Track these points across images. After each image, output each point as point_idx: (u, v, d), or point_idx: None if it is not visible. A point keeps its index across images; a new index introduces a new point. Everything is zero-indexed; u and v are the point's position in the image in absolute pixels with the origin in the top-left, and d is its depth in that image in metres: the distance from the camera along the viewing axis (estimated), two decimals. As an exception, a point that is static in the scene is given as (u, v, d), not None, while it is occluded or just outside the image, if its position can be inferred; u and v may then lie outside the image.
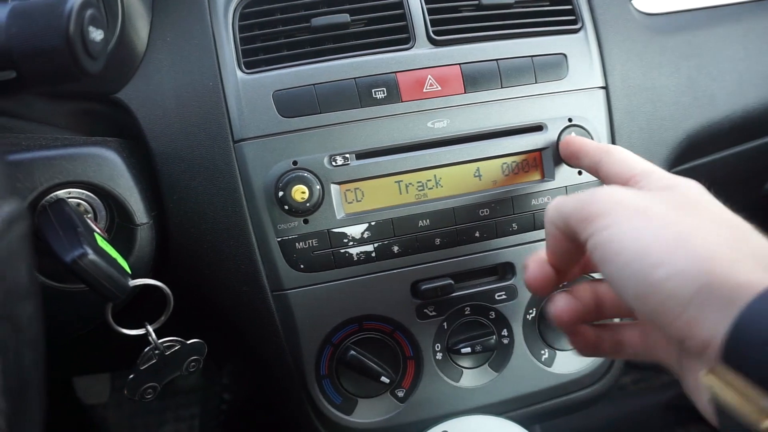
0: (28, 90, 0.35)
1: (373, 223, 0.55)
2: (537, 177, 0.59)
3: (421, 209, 0.56)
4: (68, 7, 0.31)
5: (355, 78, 0.55)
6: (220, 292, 0.57)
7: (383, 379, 0.57)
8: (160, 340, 0.50)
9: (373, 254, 0.56)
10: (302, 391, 0.58)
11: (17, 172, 0.42)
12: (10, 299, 0.21)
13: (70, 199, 0.46)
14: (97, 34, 0.34)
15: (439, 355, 0.59)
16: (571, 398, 0.64)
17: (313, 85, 0.55)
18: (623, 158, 0.46)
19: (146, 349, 0.50)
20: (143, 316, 0.54)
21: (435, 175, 0.57)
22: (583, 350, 0.44)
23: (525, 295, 0.60)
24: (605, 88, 0.61)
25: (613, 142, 0.62)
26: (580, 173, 0.59)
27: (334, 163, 0.54)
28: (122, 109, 0.56)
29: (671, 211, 0.36)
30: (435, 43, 0.57)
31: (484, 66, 0.58)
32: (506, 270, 0.60)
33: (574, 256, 0.43)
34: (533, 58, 0.59)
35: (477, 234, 0.57)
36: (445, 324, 0.59)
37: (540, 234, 0.59)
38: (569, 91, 0.60)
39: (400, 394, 0.59)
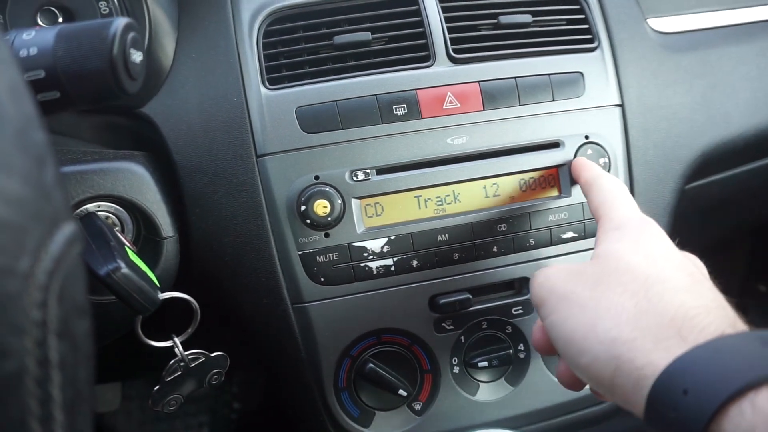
0: (70, 110, 0.36)
1: (392, 238, 0.56)
2: (554, 193, 0.60)
3: (440, 224, 0.57)
4: (112, 31, 0.32)
5: (376, 95, 0.56)
6: (241, 304, 0.58)
7: (401, 392, 0.58)
8: (186, 353, 0.51)
9: (393, 268, 0.56)
10: (320, 403, 0.59)
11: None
12: (70, 317, 0.21)
13: (99, 213, 0.47)
14: (137, 56, 0.35)
15: (456, 369, 0.60)
16: (587, 413, 0.64)
17: (336, 101, 0.56)
18: (600, 194, 0.50)
19: (172, 362, 0.50)
20: (164, 326, 0.54)
21: (454, 191, 0.58)
22: (564, 384, 0.46)
23: (541, 310, 0.60)
24: (621, 105, 0.62)
25: (629, 158, 0.62)
26: (596, 190, 0.60)
27: (355, 178, 0.55)
28: (147, 123, 0.57)
29: (590, 291, 0.40)
30: (454, 61, 0.58)
31: (503, 84, 0.59)
32: (523, 285, 0.60)
33: None
34: (550, 76, 0.60)
35: (495, 249, 0.58)
36: (462, 338, 0.59)
37: (556, 250, 0.60)
38: (586, 108, 0.61)
39: (417, 407, 0.60)
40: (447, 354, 0.59)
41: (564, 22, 0.63)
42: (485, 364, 0.59)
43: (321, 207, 0.54)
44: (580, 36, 0.62)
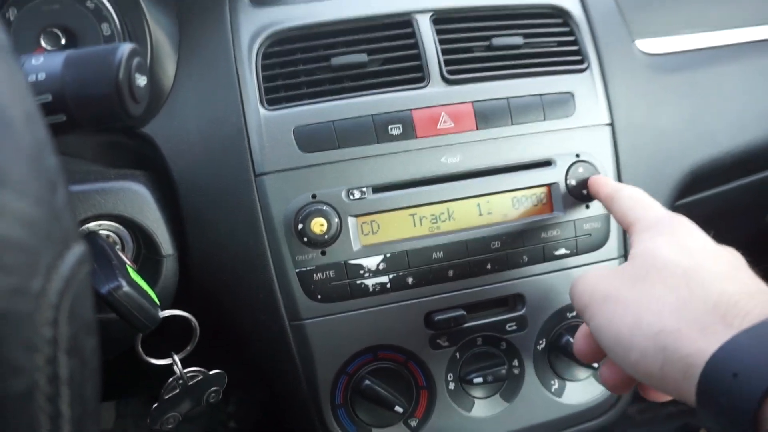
0: (75, 132, 0.37)
1: (388, 255, 0.57)
2: (546, 211, 0.61)
3: (435, 242, 0.58)
4: (118, 57, 0.33)
5: (372, 115, 0.57)
6: (238, 322, 0.58)
7: (397, 408, 0.58)
8: (184, 371, 0.51)
9: (388, 285, 0.57)
10: (317, 420, 0.59)
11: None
12: (79, 335, 0.22)
13: (100, 231, 0.48)
14: (141, 80, 0.36)
15: (451, 385, 0.60)
16: (581, 429, 0.65)
17: (332, 121, 0.57)
18: (625, 202, 0.51)
19: (170, 379, 0.51)
20: (161, 344, 0.55)
21: (448, 209, 0.59)
22: (610, 387, 0.46)
23: (535, 326, 0.61)
24: (611, 125, 0.64)
25: (619, 176, 0.64)
26: (587, 207, 0.62)
27: (351, 197, 0.56)
28: (148, 143, 0.58)
29: (630, 289, 0.41)
30: (448, 82, 0.60)
31: (496, 104, 0.60)
32: (516, 301, 0.61)
33: None
34: (542, 96, 0.62)
35: (489, 266, 0.59)
36: (457, 354, 0.60)
37: (549, 266, 0.61)
38: (576, 128, 0.62)
39: (413, 423, 0.60)
40: (442, 370, 0.60)
41: (554, 44, 0.65)
42: (480, 380, 0.60)
43: (318, 225, 0.55)
44: (570, 57, 0.64)
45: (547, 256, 0.60)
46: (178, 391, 0.51)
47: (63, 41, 0.59)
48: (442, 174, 0.58)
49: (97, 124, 0.35)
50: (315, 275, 0.56)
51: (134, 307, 0.40)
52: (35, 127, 0.22)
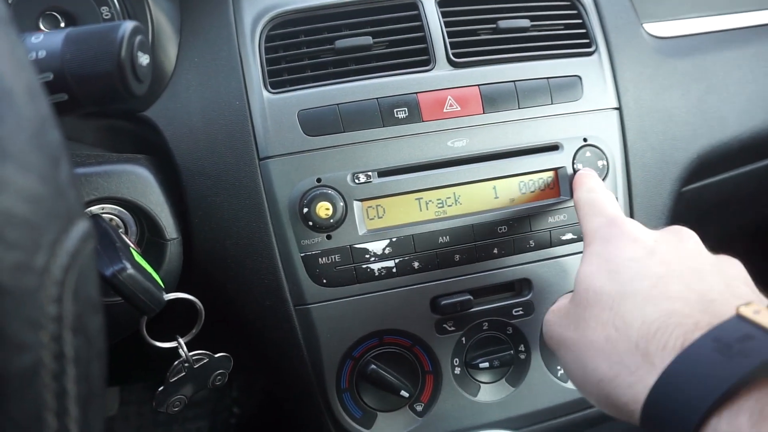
0: (77, 112, 0.36)
1: (394, 239, 0.57)
2: (553, 195, 0.60)
3: (441, 226, 0.57)
4: (120, 34, 0.33)
5: (377, 98, 0.57)
6: (243, 306, 0.58)
7: (403, 393, 0.58)
8: (189, 354, 0.51)
9: (394, 270, 0.57)
10: (323, 405, 0.59)
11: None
12: (84, 313, 0.22)
13: (103, 215, 0.48)
14: (144, 59, 0.35)
15: (457, 370, 0.60)
16: (586, 414, 0.64)
17: (337, 104, 0.56)
18: (580, 213, 0.51)
19: (176, 363, 0.51)
20: (164, 328, 0.55)
21: (454, 193, 0.58)
22: None
23: (541, 311, 0.61)
24: (619, 109, 0.63)
25: (627, 161, 0.63)
26: (594, 192, 0.61)
27: (357, 181, 0.56)
28: (150, 127, 0.57)
29: (574, 332, 0.42)
30: (454, 65, 0.59)
31: (502, 87, 0.59)
32: (523, 286, 0.61)
33: None
34: (549, 79, 0.61)
35: (495, 251, 0.59)
36: (463, 339, 0.60)
37: (556, 251, 0.60)
38: (584, 111, 0.62)
39: (419, 408, 0.60)
40: (448, 355, 0.60)
41: (562, 27, 0.64)
42: (486, 365, 0.59)
43: (323, 209, 0.55)
44: (577, 40, 0.63)
45: (554, 241, 0.60)
46: (183, 374, 0.51)
47: (62, 24, 0.58)
48: (448, 158, 0.58)
49: (99, 103, 0.35)
50: (320, 259, 0.56)
51: (139, 290, 0.40)
52: (37, 101, 0.22)
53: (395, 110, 0.57)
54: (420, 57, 0.59)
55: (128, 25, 0.34)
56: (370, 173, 0.56)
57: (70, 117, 0.57)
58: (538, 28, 0.63)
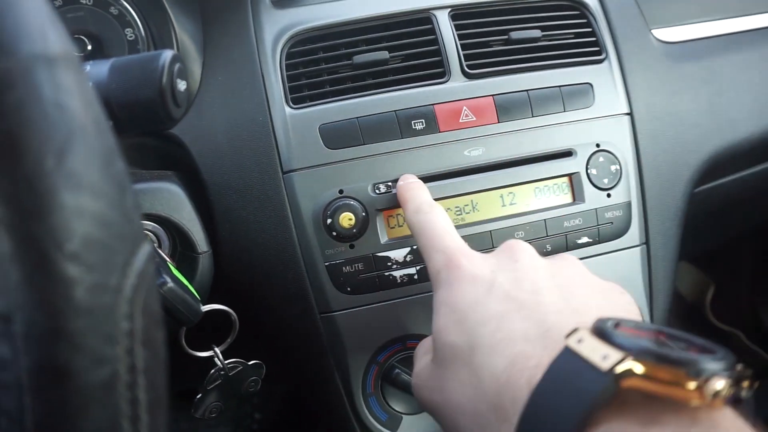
0: (120, 136, 0.38)
1: (414, 247, 0.58)
2: (568, 200, 0.62)
3: (460, 233, 0.58)
4: (161, 62, 0.35)
5: (395, 111, 0.59)
6: (270, 315, 0.60)
7: (426, 396, 0.59)
8: (225, 362, 0.53)
9: (416, 276, 0.59)
10: (350, 408, 0.61)
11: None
12: (151, 328, 0.24)
13: (139, 231, 0.50)
14: (182, 85, 0.37)
15: (478, 373, 0.62)
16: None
17: (357, 118, 0.58)
18: (418, 242, 0.48)
19: (212, 371, 0.53)
20: (196, 337, 0.57)
21: (472, 200, 0.60)
22: None
23: (559, 314, 0.62)
24: (630, 114, 0.65)
25: (639, 165, 0.64)
26: (608, 196, 0.62)
27: (377, 191, 0.58)
28: (176, 144, 0.59)
29: (440, 395, 0.38)
30: (469, 77, 0.61)
31: (516, 96, 0.61)
32: (541, 289, 0.62)
33: None
34: (561, 87, 0.62)
35: (513, 255, 0.60)
36: (484, 342, 0.61)
37: (572, 254, 0.62)
38: (596, 118, 0.63)
39: (442, 410, 0.62)
40: (470, 358, 0.61)
41: (572, 36, 0.66)
42: (507, 367, 0.61)
43: (346, 219, 0.56)
44: (588, 48, 0.65)
45: (570, 245, 0.61)
46: (219, 381, 0.53)
47: (89, 47, 0.61)
48: (465, 166, 0.59)
49: (140, 127, 0.37)
50: (344, 268, 0.57)
51: (179, 303, 0.42)
52: (104, 134, 0.24)
53: (413, 122, 0.59)
54: (435, 69, 0.61)
55: (168, 54, 0.36)
56: (390, 183, 0.58)
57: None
58: (549, 38, 0.65)
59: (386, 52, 0.60)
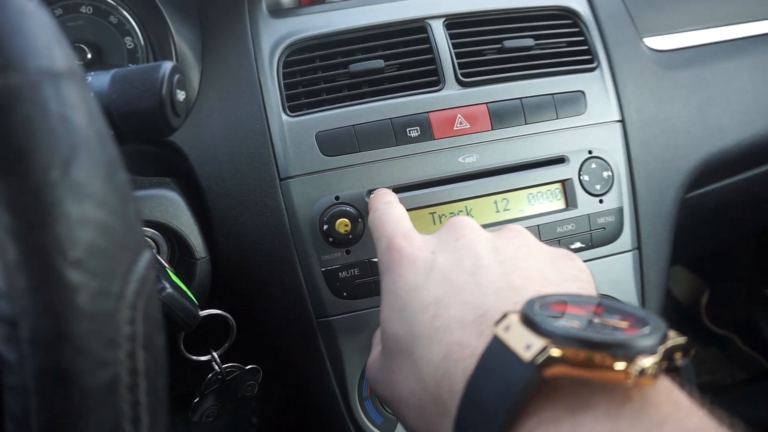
0: (120, 145, 0.39)
1: (410, 253, 0.59)
2: (561, 206, 0.63)
3: (455, 238, 0.60)
4: (161, 74, 0.36)
5: (390, 118, 0.60)
6: (267, 320, 0.61)
7: (422, 399, 0.60)
8: (223, 366, 0.54)
9: (411, 282, 0.59)
10: (346, 412, 0.61)
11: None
12: (152, 332, 0.25)
13: (138, 237, 0.50)
14: (181, 95, 0.38)
15: (473, 376, 0.62)
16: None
17: (353, 125, 0.59)
18: (374, 240, 0.46)
19: (210, 375, 0.53)
20: (193, 341, 0.57)
21: (466, 206, 0.61)
22: None
23: (553, 318, 0.63)
24: (622, 121, 0.66)
25: (631, 171, 0.65)
26: (601, 202, 0.63)
27: (373, 198, 0.59)
28: (174, 151, 0.60)
29: (391, 388, 0.37)
30: (463, 85, 0.62)
31: (509, 104, 0.62)
32: (534, 294, 0.63)
33: None
34: (554, 95, 0.64)
35: (507, 261, 0.61)
36: (478, 346, 0.62)
37: (565, 259, 0.63)
38: (588, 125, 0.64)
39: (438, 414, 0.63)
40: (464, 362, 0.62)
41: (564, 45, 0.67)
42: (501, 370, 0.62)
43: (342, 225, 0.57)
44: (580, 57, 0.66)
45: (563, 250, 0.62)
46: (217, 385, 0.54)
47: (89, 55, 0.62)
48: (459, 173, 0.60)
49: (140, 137, 0.38)
50: (340, 273, 0.58)
51: (178, 308, 0.43)
52: (107, 146, 0.25)
53: (408, 129, 0.60)
54: (430, 78, 0.62)
55: (168, 65, 0.37)
56: (385, 190, 0.59)
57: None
58: (541, 46, 0.66)
59: (382, 60, 0.61)
